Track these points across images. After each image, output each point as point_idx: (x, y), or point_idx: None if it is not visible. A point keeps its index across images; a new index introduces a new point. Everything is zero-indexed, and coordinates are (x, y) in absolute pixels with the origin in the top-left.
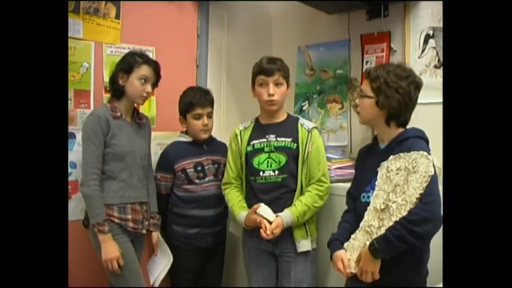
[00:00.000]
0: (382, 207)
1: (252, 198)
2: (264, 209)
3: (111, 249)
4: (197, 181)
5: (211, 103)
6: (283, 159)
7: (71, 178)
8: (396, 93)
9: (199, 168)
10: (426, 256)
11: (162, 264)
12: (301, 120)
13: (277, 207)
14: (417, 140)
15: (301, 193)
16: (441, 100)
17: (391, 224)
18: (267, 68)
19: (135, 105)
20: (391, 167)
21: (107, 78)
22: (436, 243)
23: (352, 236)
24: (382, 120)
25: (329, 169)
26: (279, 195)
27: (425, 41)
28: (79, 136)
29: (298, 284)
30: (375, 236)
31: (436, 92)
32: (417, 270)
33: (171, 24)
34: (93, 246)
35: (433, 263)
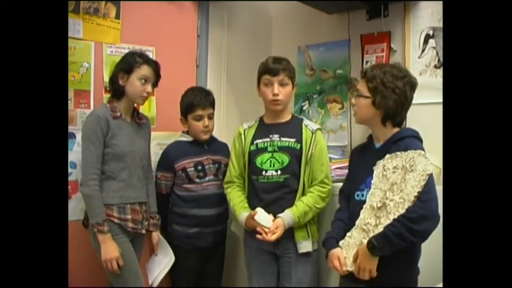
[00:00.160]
0: (379, 205)
1: (254, 198)
2: (260, 216)
3: (110, 249)
4: (197, 180)
5: (212, 104)
6: (286, 159)
7: (71, 178)
8: (393, 93)
9: (199, 167)
10: (418, 256)
11: (161, 264)
12: (306, 121)
13: (278, 207)
14: (413, 140)
15: (303, 194)
16: (441, 100)
17: (388, 221)
18: (272, 68)
19: (135, 105)
20: (387, 166)
21: (107, 78)
22: (436, 243)
23: (348, 234)
24: (378, 120)
25: None
26: (281, 195)
27: (425, 41)
28: (79, 136)
29: (299, 284)
30: (371, 234)
31: (436, 92)
32: (410, 269)
33: (171, 24)
34: (93, 246)
35: (433, 263)
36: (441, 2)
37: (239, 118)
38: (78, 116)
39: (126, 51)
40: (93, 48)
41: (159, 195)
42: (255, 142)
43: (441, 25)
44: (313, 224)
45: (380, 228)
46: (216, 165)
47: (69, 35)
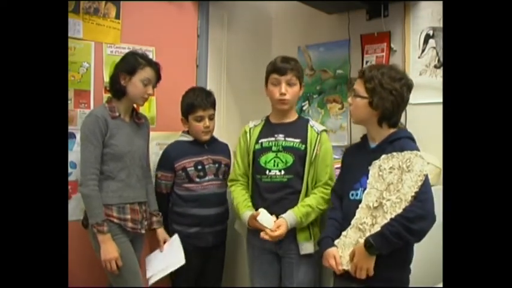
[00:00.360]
0: (375, 205)
1: (257, 197)
2: (263, 217)
3: (110, 250)
4: (197, 180)
5: (213, 105)
6: (290, 159)
7: (71, 178)
8: (390, 95)
9: (199, 167)
10: (411, 256)
11: (166, 261)
12: (311, 122)
13: (281, 207)
14: (408, 141)
15: (307, 195)
16: (441, 100)
17: (385, 221)
18: (280, 67)
19: (134, 105)
20: (383, 166)
21: (107, 78)
22: (436, 243)
23: (343, 233)
24: (374, 121)
25: None
26: (284, 195)
27: (425, 41)
28: (79, 136)
29: (300, 285)
30: (368, 233)
31: (436, 92)
32: (403, 268)
33: (171, 24)
34: (93, 247)
35: (433, 263)
36: (441, 2)
37: (239, 118)
38: (78, 116)
39: (126, 51)
40: (93, 48)
41: (159, 195)
42: (260, 141)
43: (441, 25)
44: (316, 226)
45: (376, 228)
46: (216, 165)
47: (69, 35)
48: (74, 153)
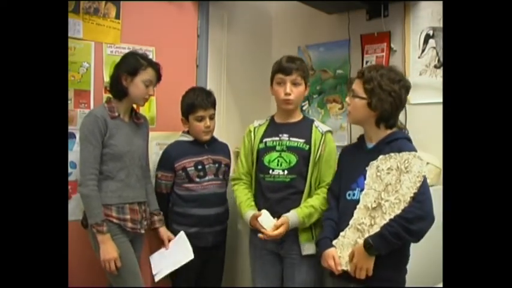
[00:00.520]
0: (374, 205)
1: (260, 197)
2: (263, 218)
3: (109, 250)
4: (197, 180)
5: (213, 105)
6: (293, 159)
7: (71, 178)
8: (389, 96)
9: (199, 167)
10: (408, 257)
11: (172, 259)
12: (316, 123)
13: (283, 207)
14: (406, 142)
15: (310, 195)
16: (441, 100)
17: (384, 222)
18: (285, 67)
19: (134, 105)
20: (381, 167)
21: (107, 78)
22: (436, 243)
23: (342, 233)
24: (372, 121)
25: None
26: (286, 195)
27: (425, 41)
28: (79, 136)
29: (302, 286)
30: (366, 234)
31: (436, 92)
32: (400, 269)
33: (171, 24)
34: (92, 247)
35: (433, 263)
36: (441, 2)
37: (239, 118)
38: (78, 116)
39: (126, 51)
40: (93, 48)
41: (160, 195)
42: (264, 140)
43: (441, 25)
44: (318, 227)
45: (375, 228)
46: (216, 165)
47: (69, 35)
48: (74, 153)
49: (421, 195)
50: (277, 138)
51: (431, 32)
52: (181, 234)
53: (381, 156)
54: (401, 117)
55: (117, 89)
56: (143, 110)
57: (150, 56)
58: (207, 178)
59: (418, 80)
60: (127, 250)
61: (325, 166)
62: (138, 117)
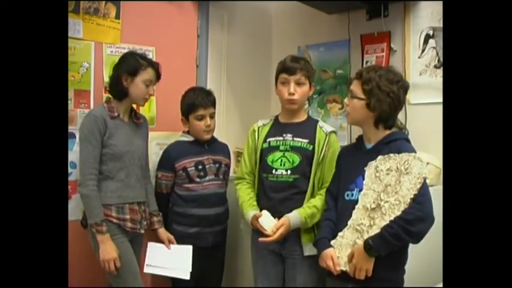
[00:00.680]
0: (373, 206)
1: (262, 196)
2: (264, 219)
3: (109, 250)
4: (198, 180)
5: (213, 104)
6: (297, 159)
7: (71, 178)
8: (388, 97)
9: (200, 167)
10: (406, 257)
11: (170, 263)
12: (321, 123)
13: (286, 207)
14: (405, 142)
15: (313, 196)
16: (441, 100)
17: (383, 222)
18: (289, 67)
19: (133, 105)
20: (380, 167)
21: (107, 78)
22: (435, 244)
23: (340, 233)
24: (370, 122)
25: None
26: (289, 195)
27: (425, 41)
28: (79, 136)
29: (303, 286)
30: (365, 234)
31: (436, 92)
32: (398, 269)
33: (171, 24)
34: (92, 246)
35: (433, 263)
36: (441, 2)
37: (239, 118)
38: (78, 116)
39: (126, 51)
40: (93, 48)
41: (160, 195)
42: (267, 140)
43: (441, 25)
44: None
45: (374, 229)
46: (217, 165)
47: (69, 35)
48: (74, 153)
49: (421, 196)
50: (281, 138)
51: (431, 32)
52: (189, 248)
53: (379, 157)
54: (401, 117)
55: (117, 89)
56: (143, 110)
57: (150, 56)
58: (207, 178)
59: (418, 80)
60: (126, 250)
61: (328, 167)
62: (137, 117)
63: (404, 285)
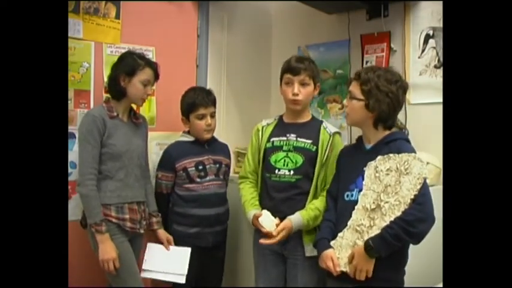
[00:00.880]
0: (373, 206)
1: (265, 196)
2: (264, 218)
3: (108, 250)
4: (198, 180)
5: (213, 103)
6: (300, 160)
7: (71, 178)
8: (386, 97)
9: (200, 167)
10: (406, 258)
11: (167, 267)
12: (325, 124)
13: (288, 207)
14: (405, 143)
15: (315, 196)
16: (441, 100)
17: (383, 223)
18: (294, 67)
19: (132, 105)
20: (380, 168)
21: (106, 78)
22: (435, 244)
23: (340, 234)
24: (370, 123)
25: None
26: (291, 195)
27: (425, 41)
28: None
29: (304, 286)
30: (365, 235)
31: (436, 92)
32: (398, 270)
33: (171, 24)
34: (92, 246)
35: (433, 263)
36: (441, 2)
37: (239, 118)
38: (78, 116)
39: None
40: (93, 48)
41: (160, 195)
42: (271, 140)
43: (441, 25)
44: None
45: (374, 230)
46: (217, 165)
47: (69, 35)
48: (74, 153)
49: (422, 197)
50: (284, 138)
51: (431, 32)
52: (188, 251)
53: (379, 157)
54: (401, 117)
55: (115, 89)
56: (143, 110)
57: (150, 56)
58: (207, 178)
59: (418, 80)
60: (126, 250)
61: (331, 168)
62: (136, 117)
63: (405, 286)
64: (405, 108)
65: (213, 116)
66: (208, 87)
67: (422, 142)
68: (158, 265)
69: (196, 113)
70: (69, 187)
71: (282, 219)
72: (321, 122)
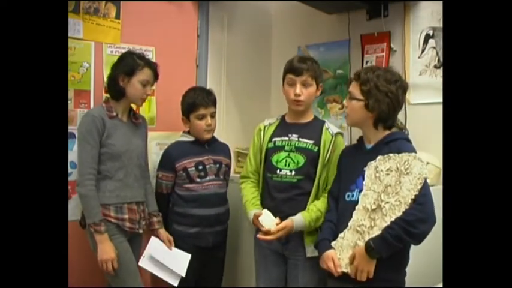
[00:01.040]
0: (373, 207)
1: (266, 196)
2: (264, 217)
3: (107, 250)
4: (198, 180)
5: (214, 103)
6: (301, 160)
7: (71, 178)
8: (386, 97)
9: (200, 167)
10: (407, 259)
11: (166, 263)
12: (327, 124)
13: (289, 207)
14: (405, 142)
15: (317, 197)
16: (441, 100)
17: (384, 223)
18: (296, 67)
19: (132, 105)
20: (380, 168)
21: (106, 78)
22: (435, 244)
23: (340, 235)
24: (370, 123)
25: None
26: (292, 196)
27: (425, 41)
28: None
29: (305, 287)
30: (366, 236)
31: (436, 92)
32: (399, 271)
33: (171, 24)
34: (91, 246)
35: (433, 263)
36: (441, 2)
37: (239, 118)
38: (78, 116)
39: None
40: (93, 48)
41: (160, 195)
42: (273, 140)
43: (441, 25)
44: None
45: (375, 230)
46: (217, 165)
47: (69, 35)
48: (74, 153)
49: (422, 197)
50: (286, 138)
51: (431, 32)
52: (188, 256)
53: (379, 157)
54: (401, 117)
55: (115, 89)
56: (143, 110)
57: (150, 56)
58: (208, 178)
59: (418, 80)
60: (125, 250)
61: (333, 168)
62: (136, 117)
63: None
64: (405, 108)
65: (213, 116)
66: (208, 87)
67: (422, 142)
68: (158, 260)
69: (196, 113)
70: (69, 187)
71: (283, 219)
72: (323, 122)
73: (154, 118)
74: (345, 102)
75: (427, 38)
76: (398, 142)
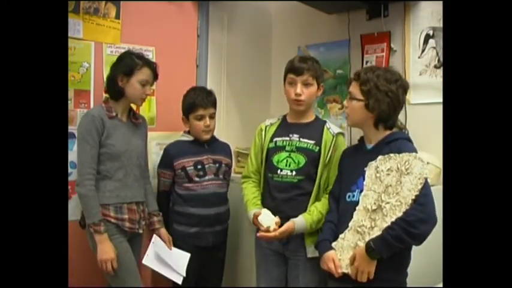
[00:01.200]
0: (374, 207)
1: (267, 196)
2: (263, 217)
3: (106, 250)
4: (197, 179)
5: (213, 104)
6: (302, 160)
7: (71, 178)
8: (386, 97)
9: (199, 166)
10: (409, 259)
11: (167, 262)
12: (328, 124)
13: (289, 208)
14: (406, 142)
15: (318, 197)
16: (441, 100)
17: (384, 224)
18: (297, 67)
19: (132, 105)
20: (380, 168)
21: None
22: (435, 244)
23: (341, 235)
24: (370, 123)
25: None
26: (293, 196)
27: (425, 41)
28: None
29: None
30: (367, 236)
31: (436, 92)
32: (400, 271)
33: (171, 24)
34: (91, 246)
35: (433, 263)
36: (441, 2)
37: (239, 118)
38: (78, 116)
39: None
40: (93, 48)
41: (161, 193)
42: (274, 140)
43: (441, 25)
44: None
45: (376, 231)
46: (217, 165)
47: (69, 35)
48: (74, 153)
49: (423, 197)
50: (287, 138)
51: (431, 32)
52: (187, 255)
53: (379, 157)
54: (401, 117)
55: (114, 89)
56: (143, 110)
57: (150, 56)
58: (206, 178)
59: (418, 80)
60: (125, 250)
61: (334, 169)
62: (136, 117)
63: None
64: (405, 108)
65: (212, 117)
66: (208, 87)
67: (422, 142)
68: (161, 258)
69: (195, 113)
70: (69, 187)
71: (283, 219)
72: (324, 122)
73: (154, 118)
74: (345, 102)
75: (427, 38)
76: (398, 142)
